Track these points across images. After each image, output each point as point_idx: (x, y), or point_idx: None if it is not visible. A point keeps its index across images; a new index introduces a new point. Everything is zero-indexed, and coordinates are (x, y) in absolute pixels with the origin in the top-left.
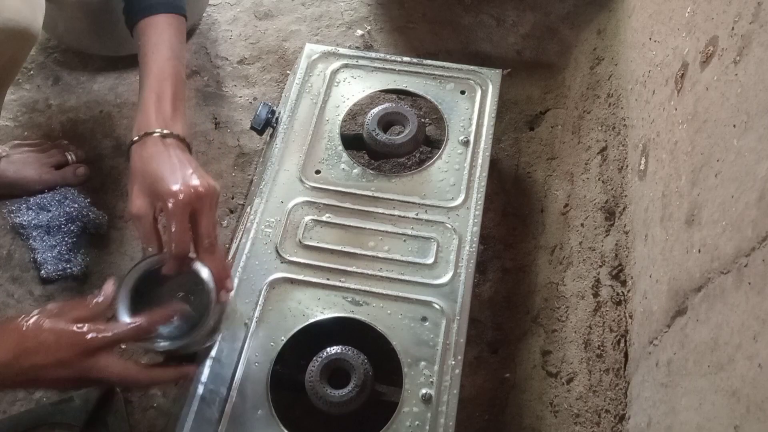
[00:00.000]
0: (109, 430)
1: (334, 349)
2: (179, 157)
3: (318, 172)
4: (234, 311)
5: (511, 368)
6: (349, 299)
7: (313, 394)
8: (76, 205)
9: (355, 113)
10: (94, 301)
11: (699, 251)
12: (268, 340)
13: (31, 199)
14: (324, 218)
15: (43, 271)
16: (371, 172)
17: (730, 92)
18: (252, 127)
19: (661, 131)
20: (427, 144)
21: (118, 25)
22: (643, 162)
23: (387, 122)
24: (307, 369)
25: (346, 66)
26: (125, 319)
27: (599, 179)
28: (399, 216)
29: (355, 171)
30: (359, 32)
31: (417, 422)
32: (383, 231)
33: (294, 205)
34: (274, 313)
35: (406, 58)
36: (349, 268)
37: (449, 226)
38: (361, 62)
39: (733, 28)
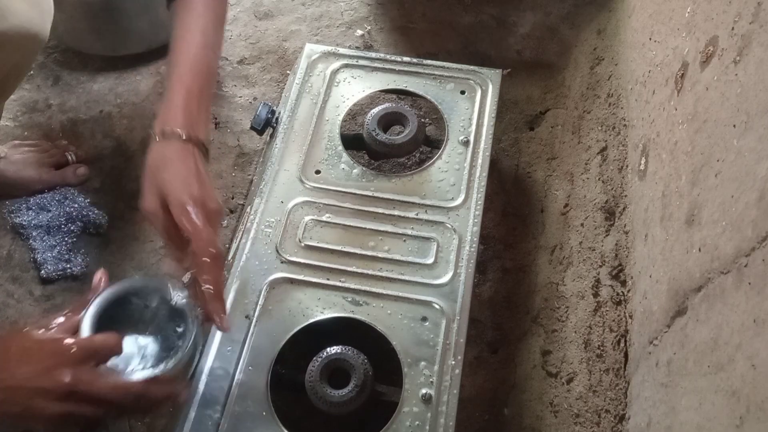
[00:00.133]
0: (109, 430)
1: (334, 349)
2: (195, 169)
3: (318, 172)
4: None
5: (511, 368)
6: (349, 299)
7: (313, 394)
8: (76, 205)
9: (355, 113)
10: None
11: (699, 251)
12: (268, 340)
13: (31, 199)
14: (324, 218)
15: (43, 271)
16: (371, 172)
17: (730, 92)
18: (252, 127)
19: (661, 131)
20: (427, 144)
21: (118, 25)
22: (643, 162)
23: (387, 122)
24: (307, 369)
25: (346, 66)
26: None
27: (599, 179)
28: (399, 216)
29: (355, 171)
30: (359, 32)
31: (417, 422)
32: (383, 231)
33: (294, 205)
34: (274, 313)
35: (406, 58)
36: (349, 268)
37: (449, 226)
38: (361, 62)
39: (733, 28)
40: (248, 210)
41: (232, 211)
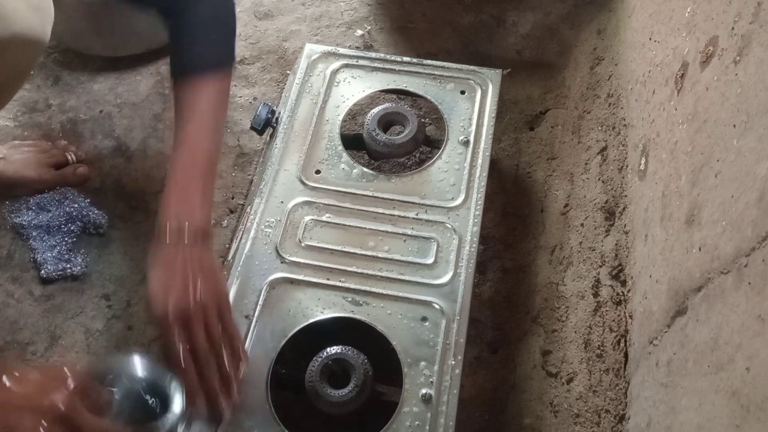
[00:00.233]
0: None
1: (334, 349)
2: (192, 265)
3: (318, 172)
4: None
5: (511, 368)
6: (349, 299)
7: (313, 394)
8: (76, 205)
9: (355, 113)
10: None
11: (699, 251)
12: (268, 340)
13: (31, 199)
14: (324, 218)
15: (43, 271)
16: (371, 172)
17: (730, 92)
18: (252, 127)
19: (661, 131)
20: (427, 144)
21: (118, 25)
22: (643, 162)
23: (387, 122)
24: (307, 369)
25: (346, 66)
26: None
27: (599, 179)
28: (399, 216)
29: (355, 171)
30: (359, 32)
31: (417, 422)
32: (383, 231)
33: (294, 205)
34: (274, 314)
35: (406, 58)
36: (349, 268)
37: (449, 226)
38: (361, 62)
39: (733, 28)
40: (248, 210)
41: (232, 211)
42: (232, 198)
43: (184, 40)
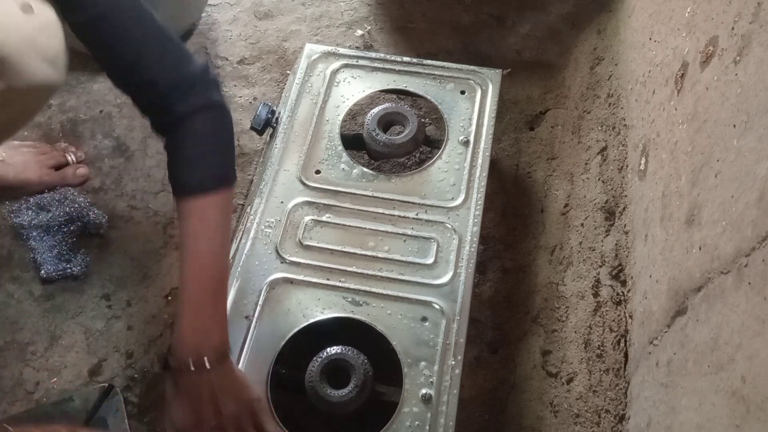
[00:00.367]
0: (110, 430)
1: (334, 349)
2: (219, 387)
3: (318, 172)
4: None
5: (511, 368)
6: (349, 299)
7: (313, 394)
8: (75, 205)
9: (355, 113)
10: None
11: (699, 251)
12: (268, 340)
13: (31, 199)
14: (324, 218)
15: (43, 271)
16: (371, 172)
17: (730, 92)
18: (252, 127)
19: (661, 131)
20: (427, 144)
21: None
22: (643, 162)
23: (387, 122)
24: (307, 369)
25: (346, 66)
26: None
27: (599, 179)
28: (399, 216)
29: (355, 171)
30: (359, 32)
31: (417, 422)
32: (383, 231)
33: (294, 205)
34: (274, 314)
35: (406, 58)
36: (349, 268)
37: (449, 226)
38: (361, 62)
39: (733, 28)
40: (248, 210)
41: (232, 210)
42: (233, 198)
43: (183, 159)
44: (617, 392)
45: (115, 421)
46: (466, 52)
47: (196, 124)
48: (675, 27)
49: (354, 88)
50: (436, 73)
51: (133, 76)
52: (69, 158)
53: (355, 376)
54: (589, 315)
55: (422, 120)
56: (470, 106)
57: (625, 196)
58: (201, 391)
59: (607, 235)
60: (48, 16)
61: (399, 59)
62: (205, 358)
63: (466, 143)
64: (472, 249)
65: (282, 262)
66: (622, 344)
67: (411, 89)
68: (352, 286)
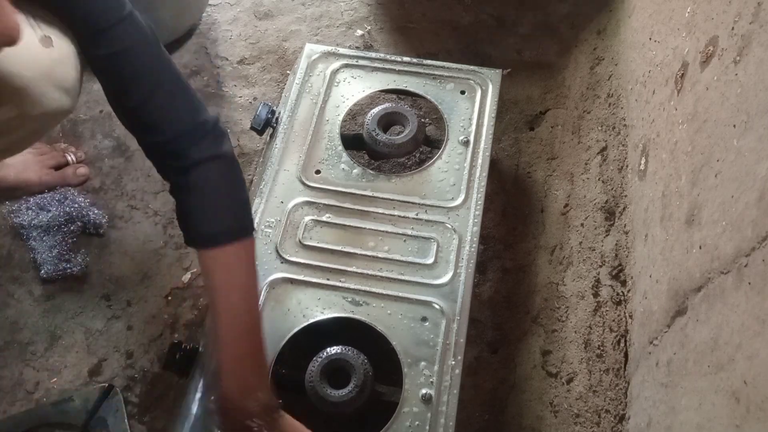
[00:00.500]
0: (109, 430)
1: (334, 349)
2: None
3: (318, 172)
4: None
5: (511, 368)
6: (349, 299)
7: (313, 394)
8: (76, 205)
9: (355, 113)
10: None
11: (699, 251)
12: (268, 340)
13: (31, 200)
14: (324, 218)
15: (43, 271)
16: (371, 172)
17: (730, 92)
18: (252, 127)
19: (661, 131)
20: (427, 144)
21: None
22: (643, 162)
23: (387, 122)
24: (307, 369)
25: (346, 66)
26: None
27: (599, 179)
28: (399, 216)
29: (355, 171)
30: (359, 32)
31: (417, 422)
32: (383, 231)
33: (294, 205)
34: (274, 314)
35: (406, 58)
36: (349, 268)
37: (449, 226)
38: (361, 62)
39: (733, 28)
40: None
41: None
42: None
43: (202, 208)
44: (617, 392)
45: (115, 421)
46: (466, 52)
47: (212, 173)
48: (675, 27)
49: (354, 88)
50: (436, 73)
51: (143, 116)
52: (69, 158)
53: (355, 376)
54: (589, 315)
55: (422, 120)
56: (470, 106)
57: (625, 196)
58: None
59: (607, 235)
60: (66, 48)
61: (399, 59)
62: (255, 419)
63: (466, 143)
64: (472, 249)
65: (282, 262)
66: (622, 344)
67: (411, 89)
68: (352, 286)
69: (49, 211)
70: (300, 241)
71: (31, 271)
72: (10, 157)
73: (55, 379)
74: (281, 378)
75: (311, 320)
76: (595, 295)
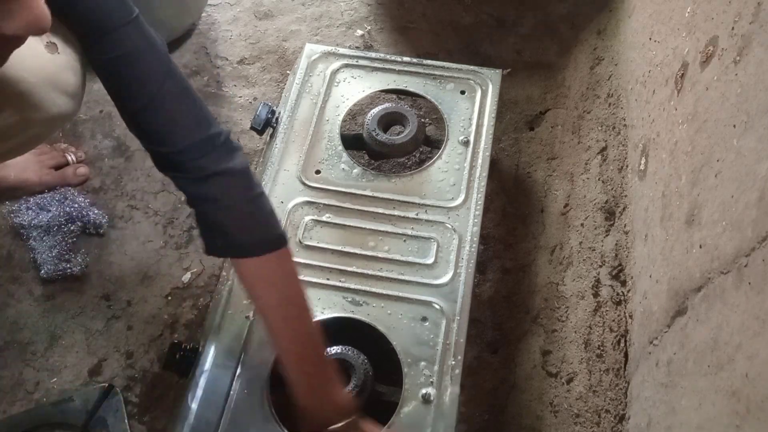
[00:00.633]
0: (109, 430)
1: (334, 349)
2: None
3: (318, 172)
4: None
5: (511, 368)
6: (349, 299)
7: None
8: (76, 205)
9: (355, 113)
10: None
11: (699, 251)
12: (268, 340)
13: (31, 199)
14: (324, 218)
15: (43, 271)
16: (371, 172)
17: (730, 92)
18: (252, 127)
19: (661, 131)
20: (427, 144)
21: None
22: (643, 162)
23: (387, 122)
24: None
25: (346, 66)
26: None
27: (599, 179)
28: (399, 216)
29: (355, 171)
30: (359, 32)
31: (417, 422)
32: (383, 231)
33: (294, 205)
34: None
35: (406, 58)
36: (349, 268)
37: (449, 226)
38: (361, 62)
39: (733, 28)
40: None
41: None
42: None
43: (235, 218)
44: (617, 392)
45: (115, 421)
46: (466, 52)
47: (226, 186)
48: (675, 27)
49: (354, 88)
50: (436, 73)
51: (145, 123)
52: (69, 158)
53: (355, 376)
54: (589, 315)
55: (422, 120)
56: (470, 106)
57: (625, 196)
58: None
59: (607, 235)
60: (71, 54)
61: (399, 59)
62: (335, 425)
63: (466, 143)
64: (472, 249)
65: None
66: (622, 344)
67: (411, 89)
68: (352, 286)
69: (49, 211)
70: (300, 241)
71: (31, 271)
72: None
73: (55, 379)
74: (281, 378)
75: None
76: (595, 295)
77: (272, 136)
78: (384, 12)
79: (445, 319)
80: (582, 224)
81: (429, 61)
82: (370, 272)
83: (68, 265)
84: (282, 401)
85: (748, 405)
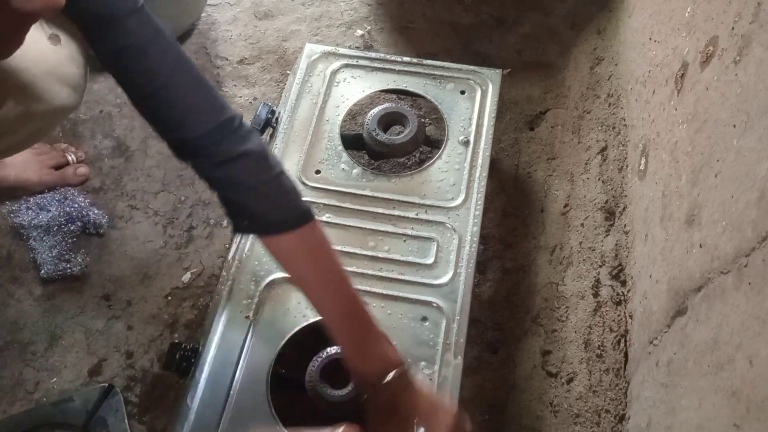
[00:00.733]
0: (109, 430)
1: (334, 349)
2: (402, 406)
3: (318, 172)
4: None
5: (511, 368)
6: None
7: (313, 394)
8: (76, 205)
9: (355, 113)
10: None
11: (699, 251)
12: (267, 340)
13: (31, 199)
14: (324, 218)
15: (43, 271)
16: (371, 172)
17: (730, 92)
18: (252, 127)
19: (661, 131)
20: (427, 144)
21: None
22: (643, 162)
23: (387, 122)
24: (307, 369)
25: (346, 66)
26: None
27: (599, 179)
28: (399, 216)
29: (355, 171)
30: (359, 32)
31: None
32: (383, 231)
33: None
34: (274, 314)
35: (406, 58)
36: (349, 268)
37: (449, 226)
38: (361, 62)
39: (733, 28)
40: None
41: None
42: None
43: (263, 195)
44: (617, 392)
45: (115, 421)
46: (466, 52)
47: (247, 167)
48: (675, 27)
49: (354, 88)
50: (436, 73)
51: (158, 111)
52: (69, 158)
53: None
54: (589, 315)
55: (422, 120)
56: (470, 106)
57: (625, 196)
58: (396, 408)
59: (607, 235)
60: (74, 47)
61: (399, 59)
62: (387, 377)
63: (466, 143)
64: (472, 249)
65: None
66: (622, 344)
67: (411, 89)
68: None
69: (49, 211)
70: None
71: (31, 271)
72: (10, 157)
73: (55, 379)
74: (281, 378)
75: (311, 320)
76: (595, 295)
77: (272, 136)
78: (384, 12)
79: (445, 319)
80: (582, 224)
81: (429, 61)
82: (370, 272)
83: (68, 265)
84: (282, 401)
85: (748, 405)
